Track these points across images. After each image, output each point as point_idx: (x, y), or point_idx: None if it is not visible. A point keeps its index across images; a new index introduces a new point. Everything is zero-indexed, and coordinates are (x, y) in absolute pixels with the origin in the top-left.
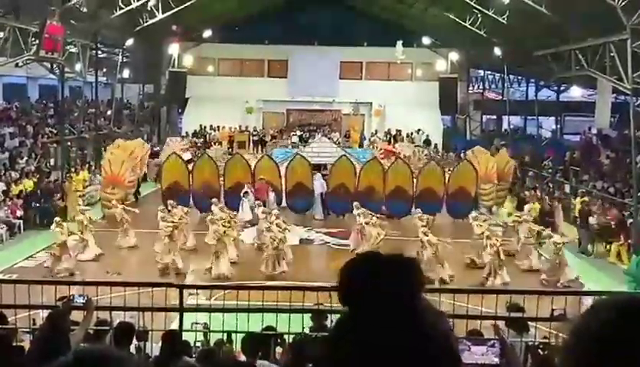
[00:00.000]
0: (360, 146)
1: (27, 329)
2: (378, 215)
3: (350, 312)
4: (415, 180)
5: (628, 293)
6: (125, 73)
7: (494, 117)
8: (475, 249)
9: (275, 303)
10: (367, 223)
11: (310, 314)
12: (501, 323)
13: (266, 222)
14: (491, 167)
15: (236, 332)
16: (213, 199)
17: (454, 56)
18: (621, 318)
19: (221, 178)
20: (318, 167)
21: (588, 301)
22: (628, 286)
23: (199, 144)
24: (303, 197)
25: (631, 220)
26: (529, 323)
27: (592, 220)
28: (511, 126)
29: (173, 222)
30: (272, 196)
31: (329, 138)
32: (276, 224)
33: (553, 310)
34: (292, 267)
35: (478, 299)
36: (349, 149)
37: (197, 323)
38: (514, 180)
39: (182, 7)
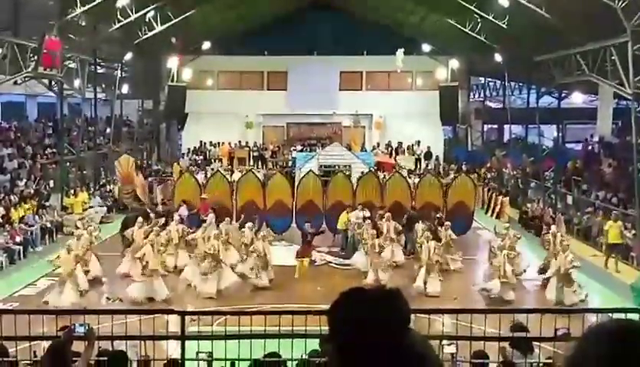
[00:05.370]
0: None
1: (29, 361)
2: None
3: (338, 351)
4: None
5: (624, 318)
6: (124, 89)
7: (496, 126)
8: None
9: (276, 328)
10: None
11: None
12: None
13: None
14: None
15: (239, 360)
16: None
17: (454, 63)
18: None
19: (233, 196)
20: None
21: (592, 319)
22: (635, 301)
23: (199, 162)
24: (312, 216)
25: None
26: (533, 342)
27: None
28: (513, 135)
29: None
30: (210, 216)
31: None
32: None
33: (556, 329)
34: (295, 288)
35: (481, 319)
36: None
37: (201, 352)
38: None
39: (181, 18)
